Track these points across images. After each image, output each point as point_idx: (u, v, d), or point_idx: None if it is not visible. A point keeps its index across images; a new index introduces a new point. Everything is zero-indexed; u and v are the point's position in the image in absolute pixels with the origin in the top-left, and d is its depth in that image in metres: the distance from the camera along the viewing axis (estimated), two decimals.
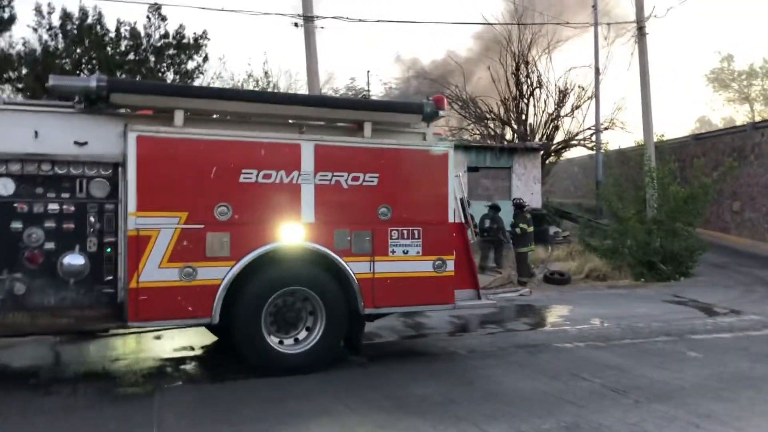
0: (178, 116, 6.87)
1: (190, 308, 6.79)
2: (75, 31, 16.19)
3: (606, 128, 24.67)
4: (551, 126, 26.14)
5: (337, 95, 25.18)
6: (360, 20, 15.76)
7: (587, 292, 15.34)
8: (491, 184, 23.53)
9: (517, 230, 16.20)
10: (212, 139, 6.93)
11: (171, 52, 17.41)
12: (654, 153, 18.71)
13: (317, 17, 14.78)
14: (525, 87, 25.99)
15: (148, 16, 17.35)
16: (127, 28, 17.16)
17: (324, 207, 7.35)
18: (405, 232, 7.73)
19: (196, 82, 18.30)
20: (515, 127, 26.29)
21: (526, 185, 23.71)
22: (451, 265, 7.95)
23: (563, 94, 26.03)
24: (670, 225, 18.01)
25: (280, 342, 7.37)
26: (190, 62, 17.54)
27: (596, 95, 25.24)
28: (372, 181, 7.57)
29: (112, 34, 16.88)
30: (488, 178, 23.52)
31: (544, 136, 26.35)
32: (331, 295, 7.41)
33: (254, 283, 7.08)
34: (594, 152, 25.70)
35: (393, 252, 7.67)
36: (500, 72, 26.17)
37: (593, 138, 25.25)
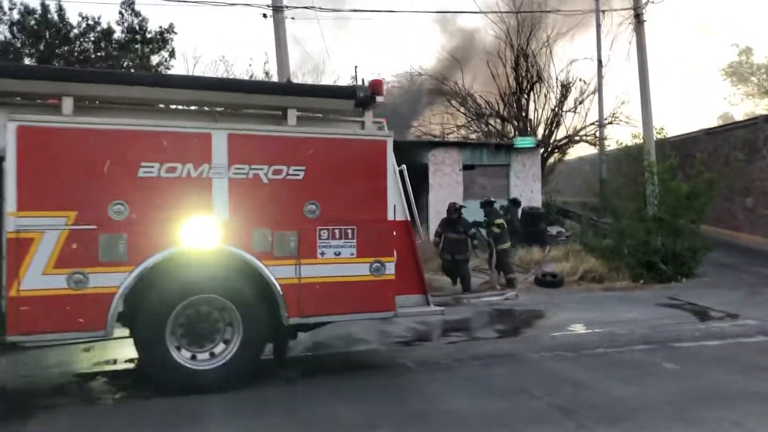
0: (66, 104, 6.12)
1: (81, 320, 6.02)
2: (35, 27, 15.61)
3: (609, 123, 23.58)
4: (553, 122, 25.09)
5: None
6: (334, 10, 14.95)
7: (579, 295, 14.38)
8: (488, 182, 22.57)
9: (494, 228, 15.22)
10: (106, 129, 6.16)
11: (136, 46, 16.77)
12: (654, 148, 17.65)
13: (287, 7, 14.02)
14: (525, 82, 24.99)
15: (121, 12, 16.79)
16: (91, 23, 16.55)
17: (240, 204, 6.55)
18: (337, 231, 6.90)
19: None
20: (515, 123, 25.29)
21: (525, 183, 22.72)
22: (390, 268, 7.10)
23: (565, 89, 24.97)
24: (672, 223, 16.94)
25: (193, 357, 6.57)
26: (154, 57, 16.88)
27: (599, 89, 24.21)
28: (297, 175, 6.76)
29: (77, 30, 16.28)
30: (485, 177, 22.57)
31: (546, 133, 25.32)
32: (249, 304, 6.60)
33: (156, 291, 6.30)
34: (598, 149, 24.62)
35: (323, 254, 6.84)
36: (499, 67, 25.18)
37: (597, 134, 24.16)
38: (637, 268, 16.48)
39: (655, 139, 18.33)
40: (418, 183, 21.89)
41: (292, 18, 14.09)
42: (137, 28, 16.89)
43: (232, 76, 21.44)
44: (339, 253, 6.91)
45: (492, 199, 16.55)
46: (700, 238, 17.27)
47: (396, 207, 7.30)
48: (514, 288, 14.48)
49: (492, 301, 13.21)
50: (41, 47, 15.56)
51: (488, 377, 7.11)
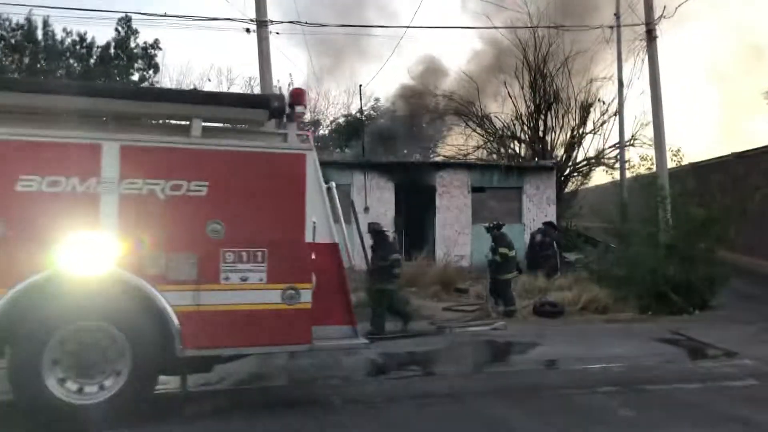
0: None
1: None
2: (12, 41, 15.60)
3: (630, 144, 22.50)
4: (572, 144, 24.13)
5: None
6: (321, 25, 14.44)
7: (575, 327, 13.38)
8: (499, 205, 21.69)
9: (497, 257, 14.39)
10: None
11: (118, 62, 16.61)
12: (666, 170, 16.60)
13: (271, 21, 13.60)
14: (542, 102, 24.13)
15: (117, 29, 16.71)
16: (76, 38, 16.49)
17: (132, 222, 5.98)
18: (244, 254, 6.27)
19: None
20: (532, 145, 24.42)
21: (539, 207, 21.80)
22: (307, 296, 6.43)
23: (585, 110, 24.00)
24: (686, 250, 15.82)
25: (80, 390, 5.95)
26: (136, 72, 16.64)
27: (620, 109, 23.15)
28: (200, 191, 6.17)
29: (61, 46, 16.21)
30: (495, 199, 21.72)
31: (564, 155, 24.36)
32: (139, 332, 5.99)
33: (32, 317, 5.72)
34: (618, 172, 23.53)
35: (227, 279, 6.21)
36: (516, 88, 24.40)
37: (617, 157, 23.09)
38: (645, 298, 15.40)
39: (671, 161, 17.25)
40: (426, 206, 21.23)
41: (277, 33, 13.64)
42: (121, 43, 16.76)
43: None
44: (246, 278, 6.27)
45: (500, 222, 15.53)
46: (717, 267, 16.08)
47: (318, 228, 6.63)
48: (503, 318, 13.66)
49: (478, 332, 12.45)
50: (25, 61, 15.50)
51: (411, 421, 6.34)
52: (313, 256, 6.55)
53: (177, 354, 6.00)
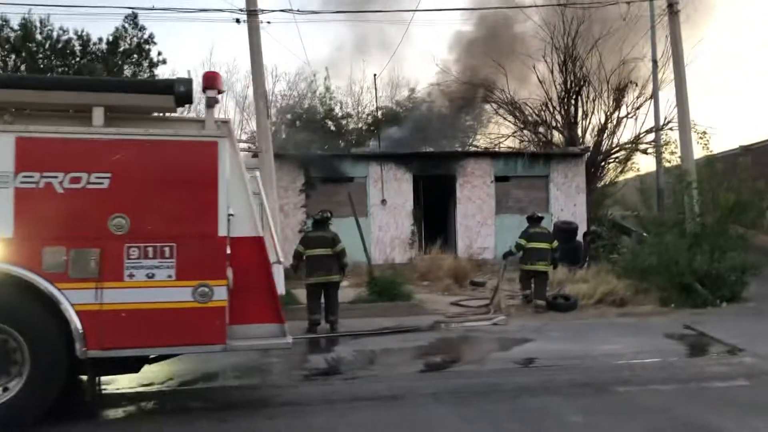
0: None
1: None
2: (7, 38, 15.73)
3: (662, 128, 21.27)
4: (604, 129, 23.03)
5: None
6: (313, 12, 14.02)
7: (585, 321, 12.60)
8: (524, 195, 20.93)
9: (512, 248, 13.77)
10: None
11: (116, 59, 16.61)
12: (692, 154, 15.52)
13: (262, 11, 13.27)
14: (572, 87, 23.12)
15: (123, 26, 16.74)
16: (73, 36, 16.56)
17: (28, 217, 5.73)
18: (150, 249, 5.93)
19: None
20: (563, 131, 23.44)
21: (567, 196, 20.90)
22: (221, 294, 6.03)
23: (618, 93, 22.87)
24: (712, 239, 14.74)
25: None
26: (129, 67, 16.59)
27: (654, 92, 21.94)
28: (101, 183, 5.86)
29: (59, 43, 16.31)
30: (521, 189, 20.95)
31: (596, 141, 23.29)
32: (38, 333, 5.72)
33: None
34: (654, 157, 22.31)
35: (132, 276, 5.89)
36: (545, 71, 23.46)
37: (654, 141, 21.89)
38: (668, 290, 14.44)
39: (697, 144, 16.14)
40: (446, 197, 20.62)
41: (268, 22, 13.31)
42: (112, 39, 16.75)
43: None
44: (153, 275, 5.93)
45: (538, 215, 14.72)
46: (748, 256, 14.95)
47: (238, 220, 6.23)
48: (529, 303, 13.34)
49: (475, 327, 11.88)
50: (21, 57, 15.60)
51: (330, 427, 5.88)
52: (229, 251, 6.13)
53: (79, 355, 5.70)
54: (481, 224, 20.37)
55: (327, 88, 32.25)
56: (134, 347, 5.98)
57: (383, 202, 19.59)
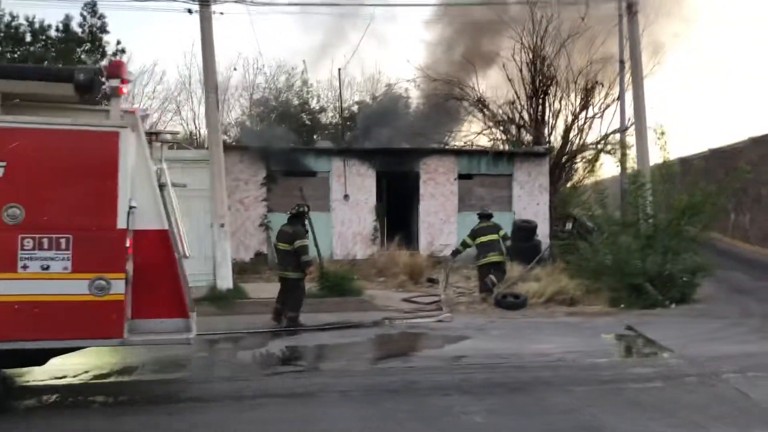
0: None
1: None
2: None
3: (626, 129, 21.27)
4: (571, 129, 23.04)
5: None
6: (267, 4, 13.88)
7: (530, 319, 12.58)
8: (487, 193, 20.86)
9: (458, 246, 13.85)
10: None
11: (65, 46, 16.38)
12: (648, 155, 15.56)
13: (214, 1, 13.12)
14: (540, 86, 23.10)
15: (82, 14, 16.50)
16: (24, 23, 16.31)
17: None
18: (46, 240, 5.84)
19: None
20: (530, 130, 23.43)
21: (531, 195, 20.85)
22: (119, 287, 5.94)
23: (586, 93, 22.87)
24: (667, 241, 14.78)
25: None
26: (86, 56, 16.32)
27: (621, 93, 21.88)
28: None
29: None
30: (484, 187, 20.88)
31: (565, 141, 23.30)
32: None
33: None
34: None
35: (26, 267, 5.81)
36: (514, 70, 23.41)
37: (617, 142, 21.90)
38: (620, 290, 14.47)
39: (656, 145, 16.15)
40: (410, 193, 20.55)
41: (221, 13, 13.17)
42: (61, 27, 16.55)
43: None
44: (48, 267, 5.84)
45: (488, 211, 15.23)
46: (701, 258, 15.02)
47: (143, 213, 6.14)
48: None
49: (420, 323, 11.85)
50: None
51: (223, 423, 5.81)
52: (128, 244, 6.03)
53: None
54: (444, 221, 20.32)
55: (304, 82, 32.17)
56: (28, 340, 5.88)
57: (346, 197, 19.49)
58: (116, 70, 6.12)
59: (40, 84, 6.09)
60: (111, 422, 5.90)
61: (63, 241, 5.87)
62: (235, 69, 28.20)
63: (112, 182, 5.99)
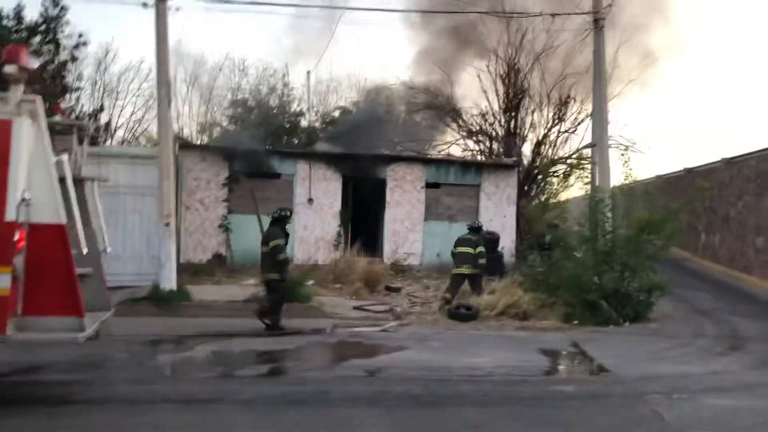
0: None
1: None
2: None
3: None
4: (542, 143, 22.95)
5: None
6: (226, 1, 13.65)
7: (478, 332, 12.40)
8: (455, 202, 20.74)
9: None
10: None
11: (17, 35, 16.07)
12: (608, 170, 15.43)
13: None
14: (513, 98, 23.01)
15: (45, 6, 16.23)
16: None
17: None
18: None
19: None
20: (500, 142, 23.33)
21: (498, 206, 20.72)
22: (4, 281, 5.69)
23: (560, 107, 22.79)
24: (625, 258, 14.62)
25: None
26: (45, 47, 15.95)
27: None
28: None
29: None
30: (452, 196, 20.75)
31: (536, 154, 23.21)
32: None
33: None
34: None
35: None
36: (488, 82, 23.33)
37: (583, 157, 21.82)
38: (574, 306, 14.29)
39: (619, 161, 16.05)
40: (376, 200, 20.35)
41: (177, 9, 12.94)
42: (17, 14, 16.25)
43: None
44: None
45: (478, 224, 15.72)
46: (657, 277, 14.87)
47: (36, 206, 5.89)
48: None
49: (362, 332, 11.64)
50: None
51: (110, 426, 5.57)
52: (18, 237, 5.78)
53: None
54: (409, 230, 20.14)
55: (285, 84, 32.02)
56: None
57: (310, 201, 19.29)
58: (14, 55, 5.88)
59: None
60: None
61: None
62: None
63: (2, 172, 5.75)
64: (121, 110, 28.89)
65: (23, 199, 5.84)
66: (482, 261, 14.51)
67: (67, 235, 6.13)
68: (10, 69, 5.84)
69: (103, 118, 24.63)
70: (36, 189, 5.96)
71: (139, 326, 10.85)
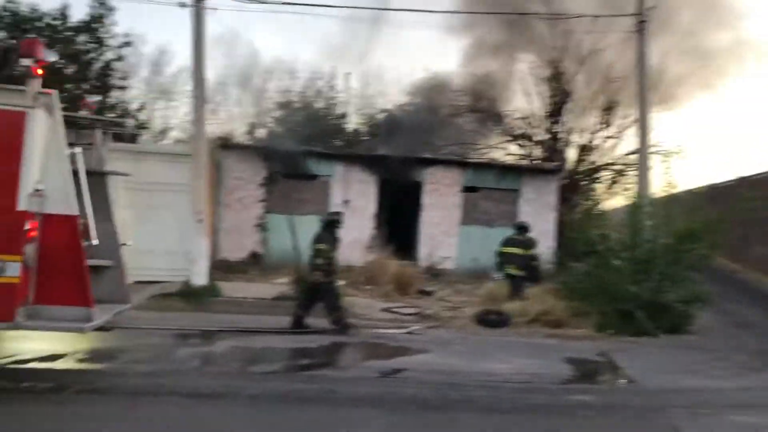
0: None
1: None
2: None
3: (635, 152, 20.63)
4: (588, 148, 22.47)
5: None
6: (263, 2, 13.77)
7: (506, 338, 12.15)
8: (493, 207, 20.43)
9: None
10: None
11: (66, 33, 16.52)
12: (648, 175, 15.00)
13: None
14: (557, 102, 22.62)
15: (92, 6, 16.69)
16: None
17: None
18: None
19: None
20: (543, 146, 22.95)
21: (538, 212, 20.27)
22: (14, 270, 5.83)
23: (606, 111, 22.29)
24: (665, 267, 14.16)
25: None
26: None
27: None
28: None
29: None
30: (490, 201, 20.45)
31: (580, 160, 22.74)
32: None
33: None
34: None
35: None
36: (531, 85, 23.00)
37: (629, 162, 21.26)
38: (610, 316, 13.91)
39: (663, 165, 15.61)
40: (412, 203, 20.24)
41: (215, 9, 13.13)
42: (62, 15, 16.71)
43: None
44: None
45: (524, 223, 15.55)
46: (699, 287, 14.35)
47: (49, 197, 6.02)
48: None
49: (386, 333, 11.57)
50: None
51: (112, 416, 5.64)
52: (29, 227, 5.90)
53: None
54: (446, 233, 19.95)
55: (331, 87, 32.25)
56: None
57: (346, 202, 19.28)
58: (30, 49, 6.01)
59: None
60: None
61: None
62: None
63: (15, 163, 5.88)
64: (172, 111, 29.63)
65: (36, 190, 5.96)
66: (534, 263, 14.57)
67: (78, 227, 6.24)
68: (27, 62, 5.97)
69: (148, 117, 25.22)
70: (49, 180, 6.08)
71: (167, 320, 11.04)
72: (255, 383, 7.26)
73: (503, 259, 14.51)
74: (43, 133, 6.05)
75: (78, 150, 6.45)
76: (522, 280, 14.47)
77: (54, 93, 6.29)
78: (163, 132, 30.32)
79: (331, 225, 11.96)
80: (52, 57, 6.22)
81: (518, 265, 14.26)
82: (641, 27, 15.01)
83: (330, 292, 11.50)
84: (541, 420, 6.61)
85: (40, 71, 6.10)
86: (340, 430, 5.67)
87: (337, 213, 12.33)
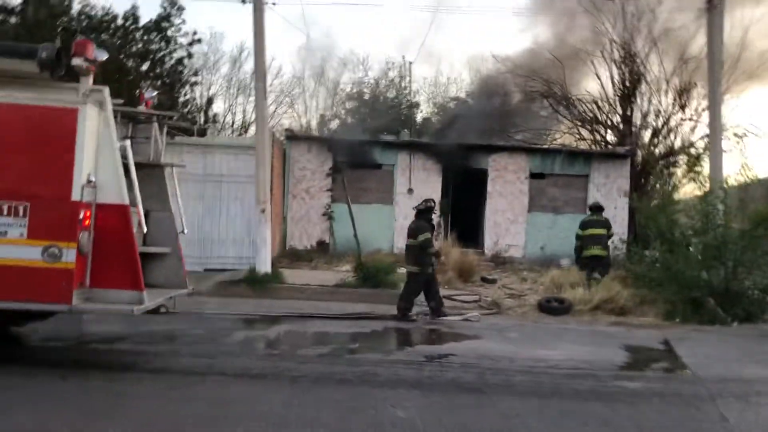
0: None
1: None
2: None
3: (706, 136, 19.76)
4: (660, 132, 21.71)
5: None
6: None
7: (566, 326, 12.02)
8: (561, 193, 20.13)
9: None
10: None
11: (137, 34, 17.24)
12: (721, 158, 14.39)
13: None
14: (629, 85, 21.94)
15: (164, 7, 17.45)
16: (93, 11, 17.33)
17: None
18: (5, 207, 6.31)
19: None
20: (615, 130, 22.32)
21: (608, 198, 19.85)
22: (70, 255, 6.28)
23: (681, 94, 21.47)
24: (740, 254, 13.62)
25: None
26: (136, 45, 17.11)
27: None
28: None
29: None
30: (557, 187, 20.15)
31: (654, 144, 22.02)
32: None
33: None
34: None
35: None
36: (601, 68, 22.40)
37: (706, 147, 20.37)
38: (677, 303, 13.50)
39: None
40: (477, 191, 20.15)
41: (274, 3, 13.47)
42: (128, 15, 17.46)
43: None
44: (5, 233, 6.25)
45: (598, 203, 15.55)
46: None
47: (102, 188, 6.44)
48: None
49: (443, 320, 11.64)
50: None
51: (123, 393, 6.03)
52: (83, 216, 6.32)
53: None
54: (512, 221, 19.79)
55: (402, 77, 32.47)
56: None
57: (410, 191, 19.42)
58: (81, 49, 6.41)
59: (5, 60, 6.48)
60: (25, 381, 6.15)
61: (21, 208, 6.25)
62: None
63: (69, 156, 6.29)
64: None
65: (89, 181, 6.36)
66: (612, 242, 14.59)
67: (129, 215, 6.62)
68: (78, 61, 6.37)
69: (225, 112, 26.14)
70: (102, 172, 6.47)
71: (230, 306, 11.50)
72: (301, 365, 7.49)
73: (587, 242, 14.38)
74: (94, 127, 6.44)
75: (127, 143, 6.82)
76: (608, 258, 14.52)
77: (105, 89, 6.67)
78: (243, 126, 31.48)
79: (425, 212, 12.04)
80: (103, 56, 6.60)
81: (604, 246, 14.34)
82: (712, 3, 14.35)
83: (415, 283, 11.64)
84: (580, 405, 6.53)
85: (91, 69, 6.49)
86: (368, 410, 5.77)
87: (431, 200, 12.37)
